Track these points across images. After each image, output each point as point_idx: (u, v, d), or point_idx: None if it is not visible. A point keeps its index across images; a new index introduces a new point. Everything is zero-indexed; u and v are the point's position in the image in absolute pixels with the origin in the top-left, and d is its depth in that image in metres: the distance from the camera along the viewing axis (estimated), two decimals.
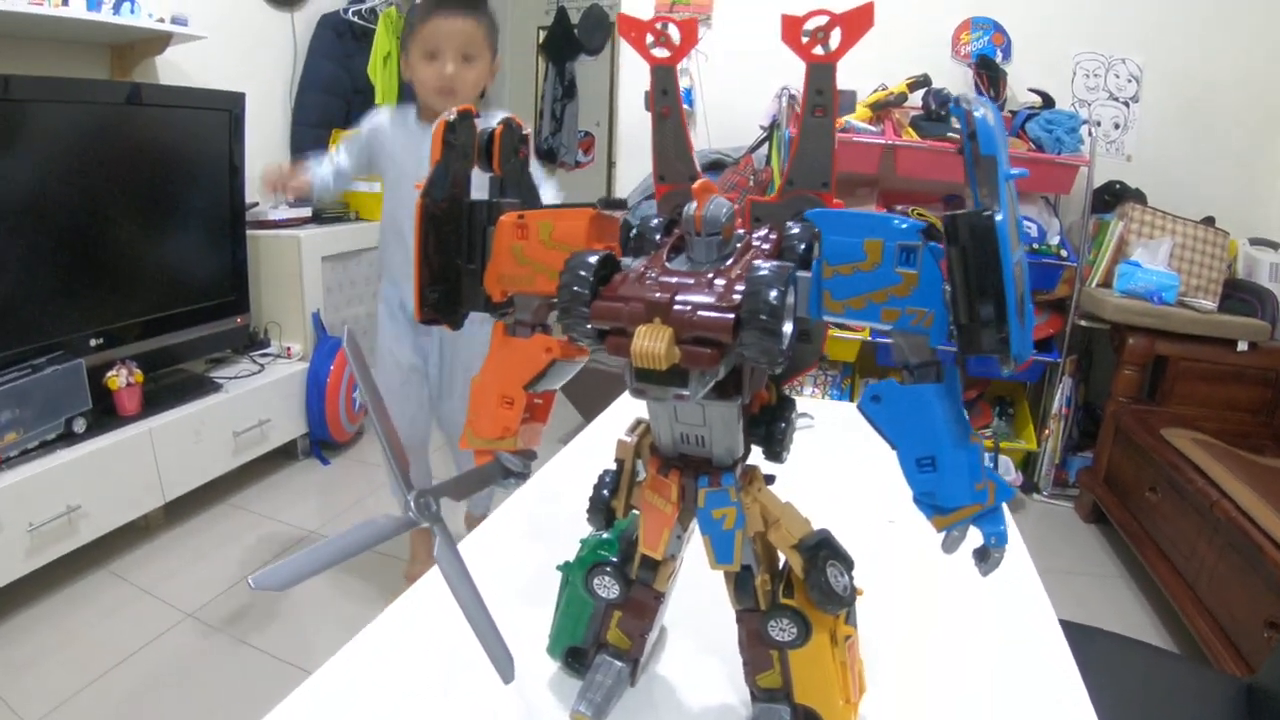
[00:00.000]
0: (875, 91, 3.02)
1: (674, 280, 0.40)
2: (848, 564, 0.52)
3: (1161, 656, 1.44)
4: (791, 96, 3.02)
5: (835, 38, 0.50)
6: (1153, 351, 2.59)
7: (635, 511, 0.57)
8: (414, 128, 1.86)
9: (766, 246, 0.46)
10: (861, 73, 3.14)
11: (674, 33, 0.55)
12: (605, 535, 0.60)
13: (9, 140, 2.20)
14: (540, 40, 5.32)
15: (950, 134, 2.73)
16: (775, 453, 0.53)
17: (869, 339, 2.92)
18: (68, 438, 2.28)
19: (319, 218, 3.22)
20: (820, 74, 0.50)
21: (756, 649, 0.57)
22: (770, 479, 0.55)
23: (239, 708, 1.82)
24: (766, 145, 3.04)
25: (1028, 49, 3.10)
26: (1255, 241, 2.85)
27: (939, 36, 3.15)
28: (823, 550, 0.51)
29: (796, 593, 0.53)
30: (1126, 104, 3.06)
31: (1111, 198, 2.96)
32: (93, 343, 2.40)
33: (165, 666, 1.97)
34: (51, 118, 2.30)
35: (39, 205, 2.27)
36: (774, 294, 0.37)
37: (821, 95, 0.51)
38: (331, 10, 3.64)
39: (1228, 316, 2.58)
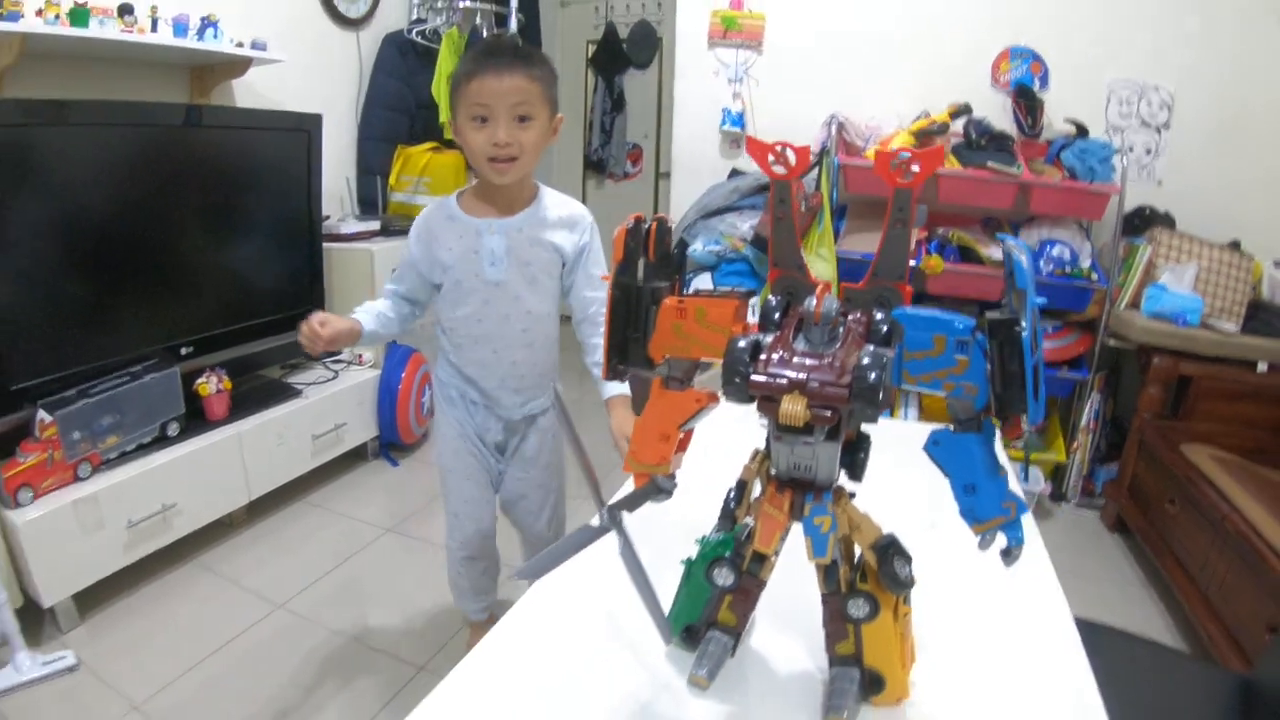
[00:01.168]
0: (918, 119, 3.18)
1: (807, 361, 0.58)
2: (908, 559, 0.70)
3: (1166, 653, 1.59)
4: (840, 124, 3.19)
5: (914, 169, 0.67)
6: (1177, 371, 2.73)
7: (748, 520, 0.75)
8: (464, 222, 1.64)
9: (862, 329, 0.64)
10: (906, 100, 3.31)
11: (790, 155, 0.72)
12: (721, 537, 0.78)
13: (115, 167, 2.40)
14: (590, 54, 5.47)
15: (989, 164, 2.89)
16: (856, 475, 0.71)
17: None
18: (163, 441, 2.48)
19: (387, 231, 3.42)
20: (902, 196, 0.68)
21: (837, 624, 0.75)
22: (852, 495, 0.73)
23: (326, 691, 1.98)
24: (816, 171, 3.20)
25: (1064, 77, 3.22)
26: None
27: (980, 66, 3.28)
28: (891, 549, 0.70)
29: (869, 580, 0.72)
30: (1158, 130, 3.17)
31: (1142, 222, 3.09)
32: (183, 351, 2.60)
33: (257, 653, 2.14)
34: (145, 143, 2.49)
35: (134, 226, 2.46)
36: (874, 375, 0.56)
37: (902, 212, 0.68)
38: (395, 30, 3.84)
39: (1249, 338, 2.71)
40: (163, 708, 1.94)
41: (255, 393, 2.84)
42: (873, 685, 0.75)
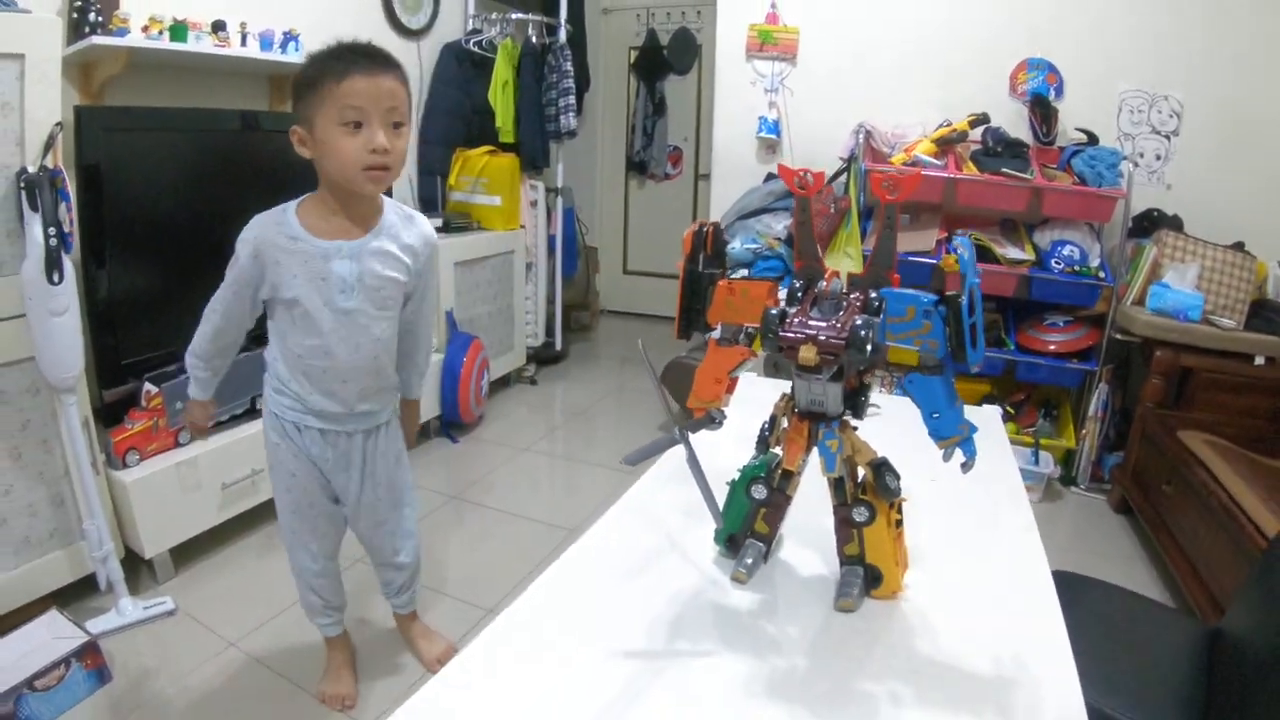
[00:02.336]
0: (940, 127, 3.40)
1: (819, 324, 0.84)
2: (897, 475, 0.95)
3: (1144, 602, 1.76)
4: (868, 132, 3.42)
5: (898, 189, 0.91)
6: (1178, 364, 2.92)
7: (774, 450, 1.00)
8: (309, 245, 1.50)
9: (859, 303, 0.89)
10: (930, 109, 3.53)
11: (810, 178, 0.97)
12: (758, 461, 1.03)
13: (208, 166, 2.66)
14: (632, 60, 5.72)
15: (1004, 170, 3.11)
16: (859, 414, 0.95)
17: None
18: (251, 412, 2.74)
19: (449, 227, 3.70)
20: (890, 209, 0.92)
21: (843, 529, 0.99)
22: (855, 428, 0.97)
23: (497, 560, 2.24)
24: (845, 175, 3.43)
25: (1078, 87, 3.42)
26: None
27: (999, 77, 3.49)
28: (883, 466, 0.95)
29: (868, 491, 0.96)
30: (1168, 137, 3.36)
31: (1150, 224, 3.29)
32: None
33: None
34: (233, 144, 2.75)
35: (226, 220, 2.73)
36: (864, 333, 0.80)
37: (889, 220, 0.93)
38: (453, 39, 4.09)
39: (1247, 333, 2.91)
40: (253, 646, 2.19)
41: None
42: (873, 580, 0.99)
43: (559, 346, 4.86)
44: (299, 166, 1.44)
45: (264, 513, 2.75)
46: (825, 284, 0.88)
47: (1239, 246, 3.14)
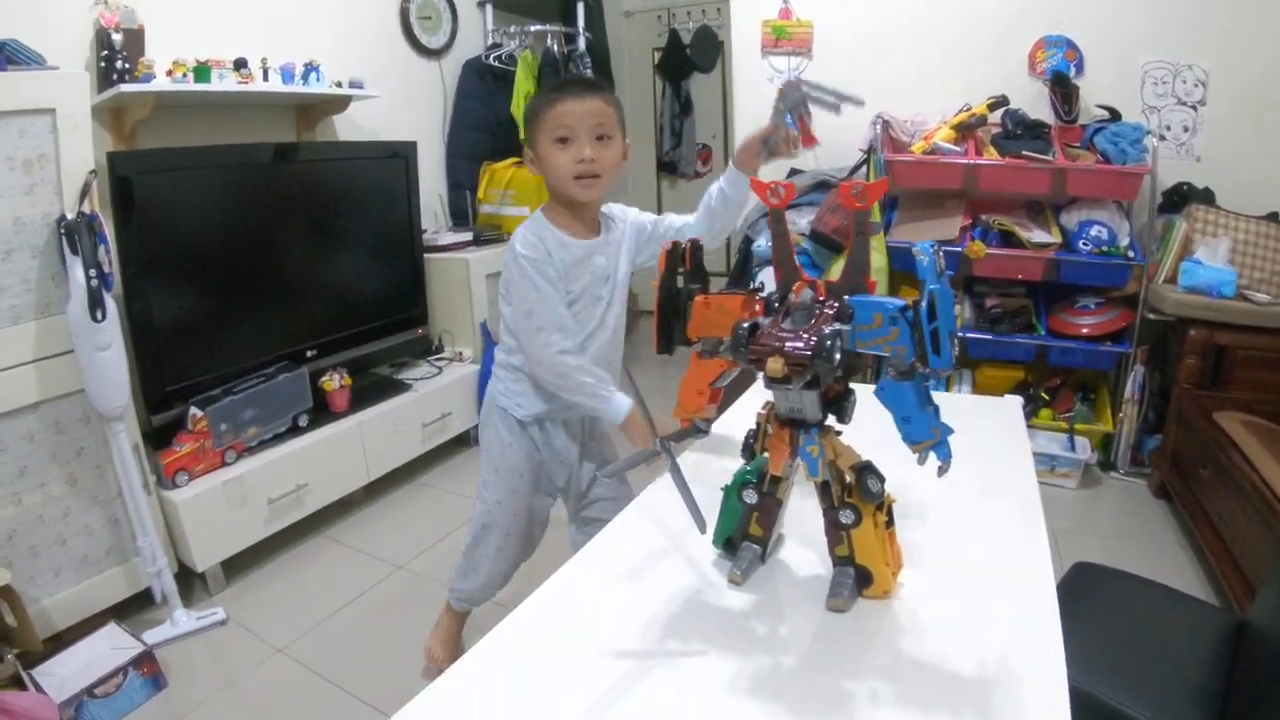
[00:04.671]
0: (959, 113, 3.38)
1: (786, 335, 0.86)
2: (880, 478, 0.97)
3: (1169, 595, 1.69)
4: (886, 123, 3.41)
5: (865, 196, 0.94)
6: (1213, 342, 2.86)
7: (764, 455, 1.03)
8: (570, 243, 1.67)
9: (831, 312, 0.91)
10: (948, 95, 3.50)
11: (782, 190, 1.00)
12: (748, 468, 1.06)
13: (243, 199, 2.78)
14: (656, 61, 5.74)
15: (1024, 152, 3.08)
16: (843, 419, 0.98)
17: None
18: (295, 430, 2.86)
19: (478, 240, 3.77)
20: (861, 215, 0.95)
21: (832, 532, 1.01)
22: (839, 432, 1.00)
23: (529, 561, 2.17)
24: (865, 168, 3.42)
25: (1099, 62, 3.37)
26: None
27: (1017, 57, 3.45)
28: (866, 470, 0.97)
29: (854, 494, 0.99)
30: (1194, 108, 3.30)
31: (1180, 199, 3.23)
32: (309, 354, 2.98)
33: (382, 605, 2.49)
34: (267, 176, 2.86)
35: (262, 249, 2.85)
36: (829, 343, 0.83)
37: (861, 227, 0.95)
38: (474, 56, 4.17)
39: None
40: (303, 652, 2.29)
41: (371, 388, 3.23)
42: (863, 580, 1.01)
43: None
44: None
45: (308, 525, 2.88)
46: (794, 295, 0.90)
47: (1273, 217, 3.09)
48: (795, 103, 1.58)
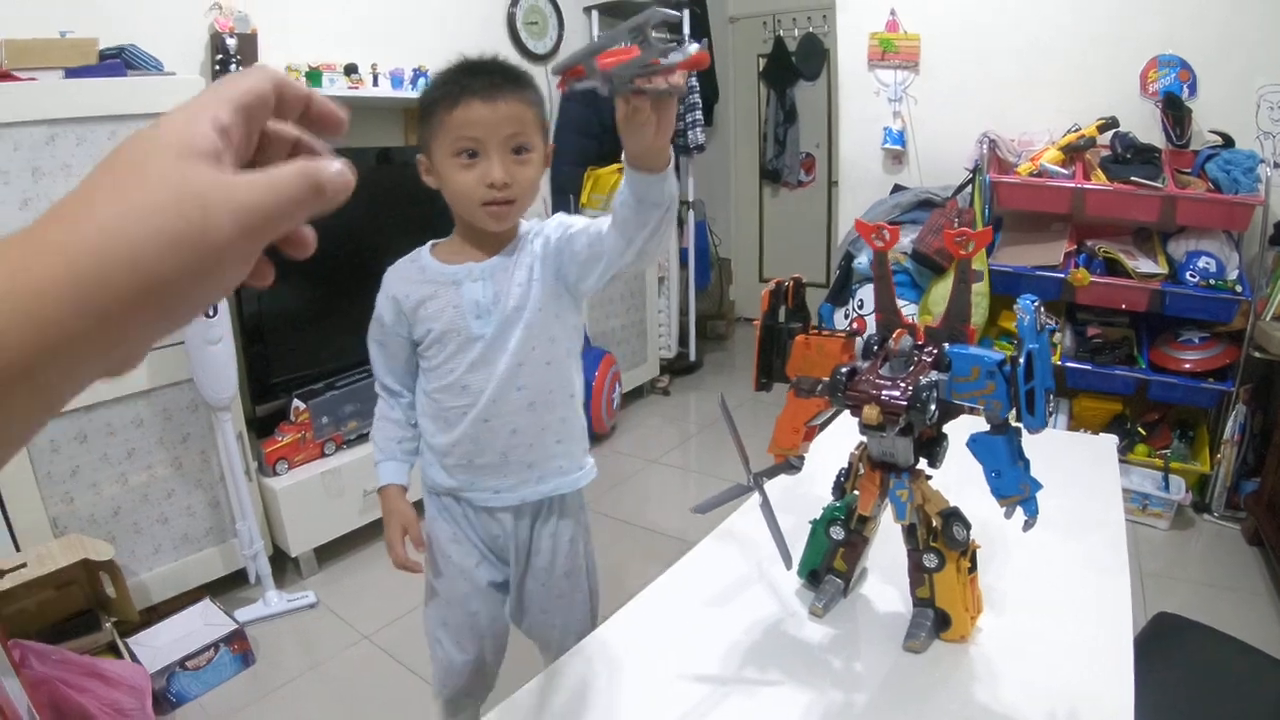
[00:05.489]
0: (1068, 133, 3.30)
1: (884, 382, 0.88)
2: (966, 525, 0.98)
3: (1251, 653, 1.56)
4: (992, 142, 3.35)
5: (970, 245, 0.95)
6: None
7: (854, 493, 1.05)
8: (441, 279, 1.33)
9: (929, 360, 0.93)
10: (1057, 114, 3.42)
11: (886, 234, 1.01)
12: (838, 505, 1.08)
13: (351, 200, 2.86)
14: (761, 68, 5.73)
15: (1133, 178, 3.00)
16: (934, 463, 0.99)
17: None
18: None
19: None
20: (964, 263, 0.96)
21: (915, 573, 1.03)
22: (929, 477, 1.01)
23: (614, 570, 2.33)
24: (970, 187, 3.37)
25: (1213, 85, 3.23)
26: None
27: (1129, 76, 3.33)
28: (953, 517, 0.98)
29: (939, 539, 1.00)
30: None
31: None
32: None
33: None
34: (374, 178, 2.95)
35: (362, 249, 2.92)
36: (925, 395, 0.85)
37: (963, 275, 0.96)
38: None
39: None
40: (386, 639, 2.38)
41: None
42: (942, 623, 1.02)
43: (693, 357, 4.98)
44: (432, 196, 1.44)
45: None
46: (894, 341, 0.92)
47: None
48: (623, 81, 0.90)
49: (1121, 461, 2.61)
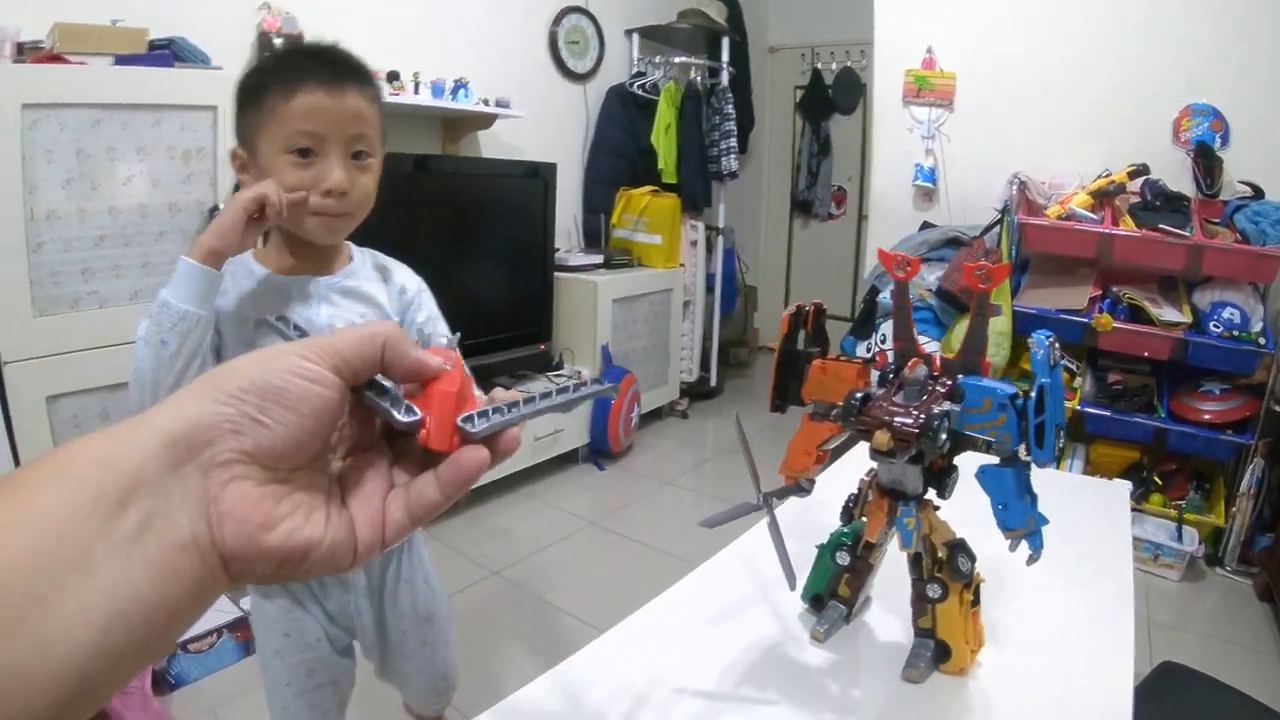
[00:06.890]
0: (1098, 178, 3.31)
1: (897, 409, 0.90)
2: (971, 557, 0.99)
3: (1255, 707, 1.54)
4: (1022, 183, 3.37)
5: (989, 279, 0.96)
6: None
7: (862, 520, 1.06)
8: (270, 283, 1.22)
9: (943, 390, 0.94)
10: (1089, 157, 3.43)
11: (908, 265, 1.03)
12: (845, 530, 1.09)
13: (394, 206, 2.92)
14: (797, 99, 5.78)
15: (1160, 226, 3.00)
16: (941, 493, 1.00)
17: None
18: None
19: (610, 264, 3.86)
20: (983, 298, 0.97)
21: (918, 603, 1.03)
22: (937, 507, 1.02)
23: (522, 645, 2.35)
24: (999, 227, 3.38)
25: (1245, 135, 3.24)
26: None
27: (1161, 123, 3.34)
28: (958, 548, 0.99)
29: (943, 570, 1.01)
30: None
31: None
32: None
33: (472, 607, 2.60)
34: (419, 185, 2.99)
35: (399, 253, 3.00)
36: (936, 424, 0.86)
37: (981, 309, 0.98)
38: (618, 83, 4.29)
39: None
40: None
41: None
42: (942, 655, 1.03)
43: (714, 382, 4.99)
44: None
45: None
46: (909, 369, 0.93)
47: None
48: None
49: (1136, 510, 2.60)
